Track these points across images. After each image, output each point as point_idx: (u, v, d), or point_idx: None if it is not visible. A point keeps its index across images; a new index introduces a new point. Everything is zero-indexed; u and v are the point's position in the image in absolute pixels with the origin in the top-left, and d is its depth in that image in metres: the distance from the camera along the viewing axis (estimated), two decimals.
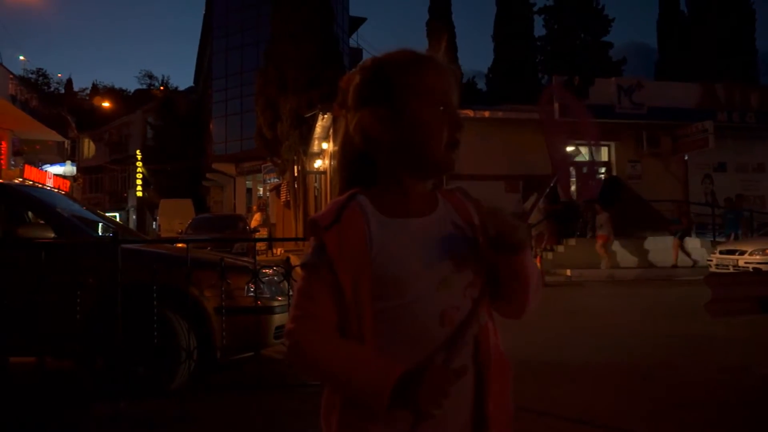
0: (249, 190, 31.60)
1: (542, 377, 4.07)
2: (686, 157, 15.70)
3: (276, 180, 25.11)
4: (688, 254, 12.83)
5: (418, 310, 0.92)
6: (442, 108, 0.96)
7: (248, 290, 3.79)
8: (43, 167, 26.76)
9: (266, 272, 4.10)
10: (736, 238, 13.00)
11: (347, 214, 0.93)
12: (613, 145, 15.74)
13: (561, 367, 4.39)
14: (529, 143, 14.46)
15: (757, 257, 10.37)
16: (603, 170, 15.86)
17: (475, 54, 43.72)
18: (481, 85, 34.53)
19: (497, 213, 0.93)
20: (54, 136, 23.33)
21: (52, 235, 3.73)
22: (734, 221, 13.58)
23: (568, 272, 12.07)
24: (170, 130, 34.50)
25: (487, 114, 14.95)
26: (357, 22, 32.71)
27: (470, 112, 14.89)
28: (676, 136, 15.21)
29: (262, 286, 3.83)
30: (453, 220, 0.98)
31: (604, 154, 16.35)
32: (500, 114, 15.02)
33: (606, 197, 13.89)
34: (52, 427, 3.15)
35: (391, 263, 0.92)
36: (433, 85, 0.96)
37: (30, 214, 4.48)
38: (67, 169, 34.67)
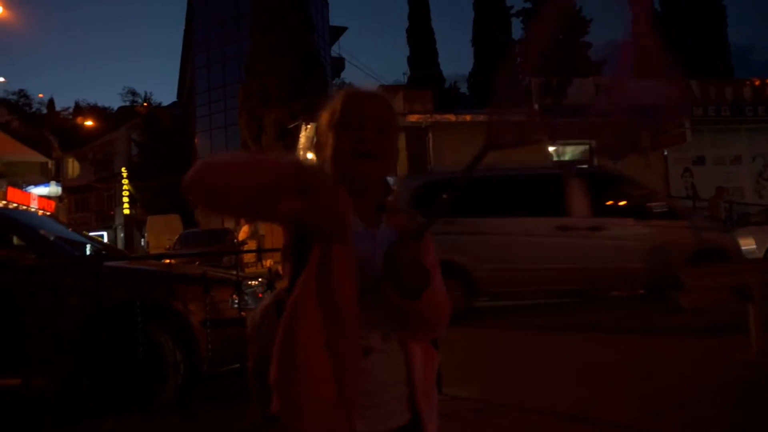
0: None
1: (535, 377, 4.16)
2: (665, 153, 15.97)
3: None
4: None
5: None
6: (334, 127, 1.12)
7: (232, 302, 3.85)
8: (27, 188, 26.52)
9: (250, 284, 4.16)
10: None
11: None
12: (593, 143, 15.98)
13: (547, 368, 4.49)
14: None
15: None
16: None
17: (457, 59, 44.09)
18: (464, 89, 34.81)
19: (396, 255, 0.95)
20: (37, 157, 23.19)
21: (33, 257, 3.76)
22: None
23: None
24: (155, 146, 34.37)
25: (468, 118, 15.10)
26: (338, 32, 32.90)
27: (452, 117, 15.05)
28: (655, 132, 15.47)
29: (246, 297, 3.90)
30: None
31: (585, 153, 16.60)
32: (482, 117, 15.15)
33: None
34: None
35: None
36: (330, 114, 1.14)
37: (14, 237, 4.51)
38: (52, 189, 34.34)
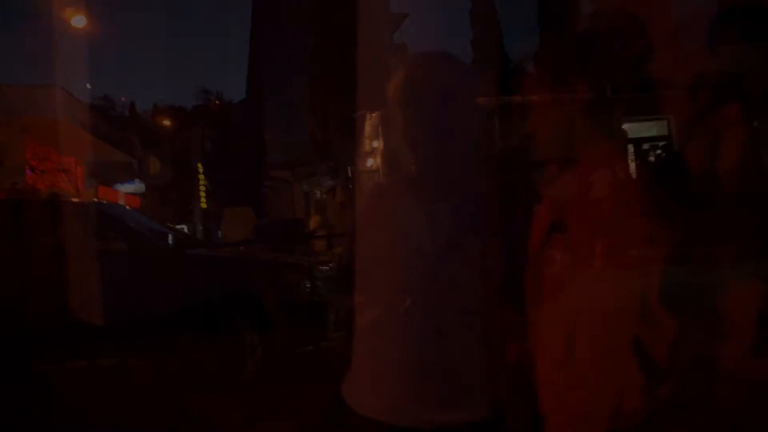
0: (306, 194, 32.30)
1: None
2: None
3: (331, 182, 25.57)
4: None
5: None
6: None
7: (305, 286, 3.99)
8: (115, 186, 28.43)
9: (321, 269, 4.30)
10: None
11: None
12: (672, 118, 15.05)
13: None
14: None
15: None
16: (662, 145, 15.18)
17: (521, 39, 42.48)
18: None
19: None
20: (122, 157, 24.79)
21: (125, 246, 4.07)
22: None
23: None
24: (227, 141, 35.80)
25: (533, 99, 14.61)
26: (398, 19, 32.70)
27: (519, 98, 14.62)
28: None
29: (317, 282, 4.03)
30: None
31: (663, 128, 15.62)
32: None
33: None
34: (130, 418, 3.43)
35: None
36: (394, 88, 1.12)
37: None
38: (137, 186, 36.63)
